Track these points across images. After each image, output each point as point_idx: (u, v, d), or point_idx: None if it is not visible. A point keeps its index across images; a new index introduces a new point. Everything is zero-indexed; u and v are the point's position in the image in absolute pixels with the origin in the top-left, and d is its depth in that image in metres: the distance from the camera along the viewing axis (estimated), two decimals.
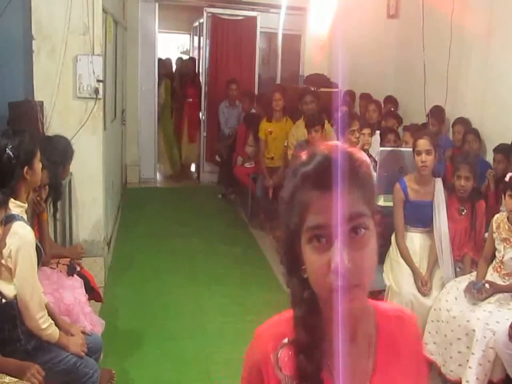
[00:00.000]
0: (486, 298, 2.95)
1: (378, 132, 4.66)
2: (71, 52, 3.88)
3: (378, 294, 3.60)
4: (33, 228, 2.49)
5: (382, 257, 3.54)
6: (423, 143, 3.30)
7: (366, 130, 4.23)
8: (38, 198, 2.70)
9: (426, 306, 3.15)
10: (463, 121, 4.43)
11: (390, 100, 5.68)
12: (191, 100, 8.04)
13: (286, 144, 5.56)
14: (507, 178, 3.01)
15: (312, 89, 6.06)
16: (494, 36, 4.24)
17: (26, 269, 2.12)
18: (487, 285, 2.97)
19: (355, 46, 6.14)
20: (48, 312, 2.25)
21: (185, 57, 10.03)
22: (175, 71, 8.84)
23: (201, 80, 8.05)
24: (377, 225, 0.92)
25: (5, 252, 2.09)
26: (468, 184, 3.36)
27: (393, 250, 3.41)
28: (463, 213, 3.46)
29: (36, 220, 2.81)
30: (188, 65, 8.76)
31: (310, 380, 0.93)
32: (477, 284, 2.99)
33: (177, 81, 8.45)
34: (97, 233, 4.23)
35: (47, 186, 2.80)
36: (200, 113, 7.91)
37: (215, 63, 7.59)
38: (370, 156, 4.22)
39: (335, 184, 0.86)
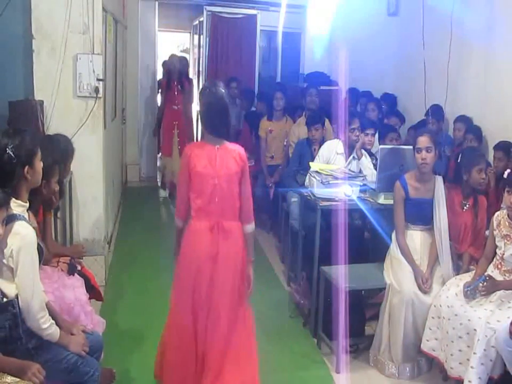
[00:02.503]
0: (486, 294, 2.94)
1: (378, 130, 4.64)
2: (71, 50, 3.89)
3: (378, 291, 3.60)
4: (37, 225, 2.50)
5: (382, 255, 3.54)
6: (423, 141, 3.29)
7: (370, 130, 4.21)
8: (54, 190, 2.70)
9: (427, 303, 3.15)
10: (464, 119, 4.42)
11: (387, 97, 5.66)
12: (176, 107, 6.83)
13: (285, 143, 5.55)
14: (505, 175, 3.01)
15: None
16: (494, 33, 4.23)
17: (28, 269, 2.12)
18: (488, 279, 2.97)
19: (355, 44, 6.14)
20: (49, 311, 2.25)
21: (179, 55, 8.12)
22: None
23: (197, 81, 7.79)
24: None
25: (6, 251, 2.09)
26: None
27: (393, 248, 3.41)
28: (465, 207, 3.47)
29: (41, 217, 2.81)
30: (169, 66, 7.03)
31: None
32: (472, 285, 2.98)
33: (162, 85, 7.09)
34: (98, 232, 4.23)
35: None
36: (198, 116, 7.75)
37: (215, 62, 7.58)
38: (372, 155, 4.21)
39: None
